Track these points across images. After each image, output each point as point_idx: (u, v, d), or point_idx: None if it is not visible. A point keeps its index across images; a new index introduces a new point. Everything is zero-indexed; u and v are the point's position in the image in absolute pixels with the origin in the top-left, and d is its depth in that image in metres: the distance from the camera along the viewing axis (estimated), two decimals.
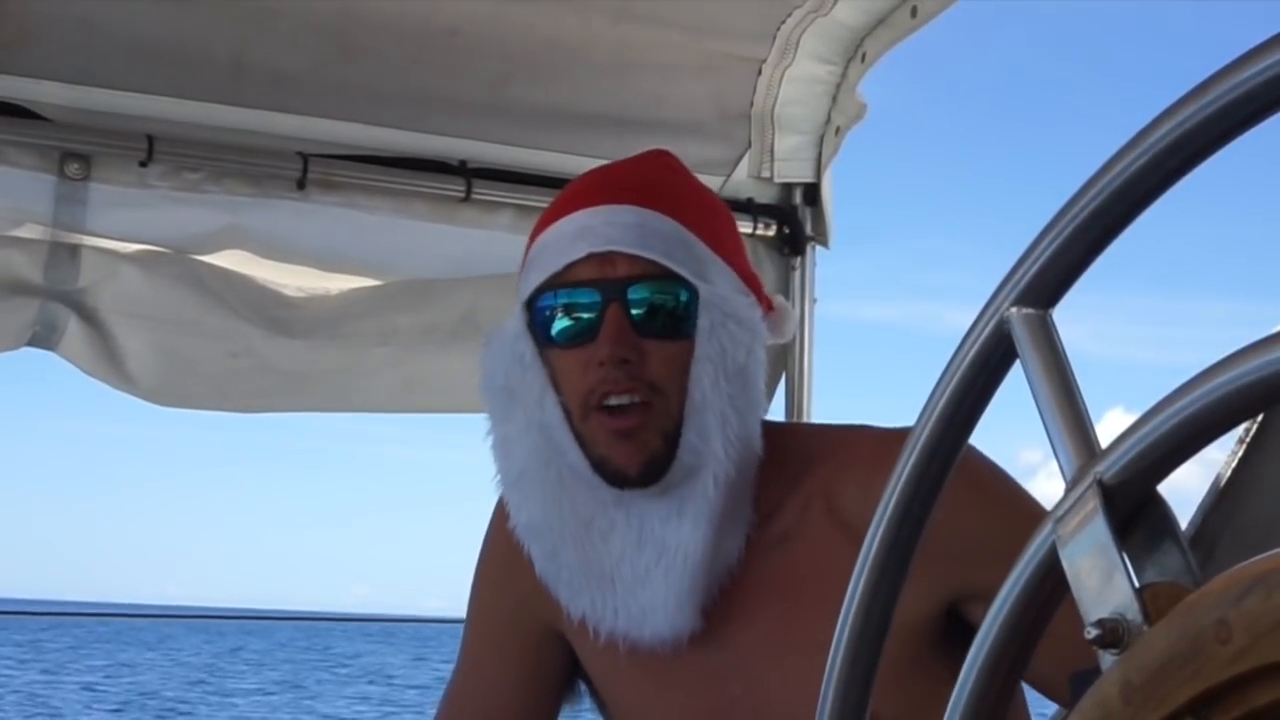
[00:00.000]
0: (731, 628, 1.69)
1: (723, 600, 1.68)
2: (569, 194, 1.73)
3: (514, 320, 1.69)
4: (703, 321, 1.64)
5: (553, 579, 1.72)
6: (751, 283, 1.74)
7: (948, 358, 0.77)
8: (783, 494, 1.70)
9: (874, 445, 1.70)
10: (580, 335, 1.64)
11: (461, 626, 1.91)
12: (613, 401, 1.63)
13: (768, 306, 1.75)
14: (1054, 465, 0.71)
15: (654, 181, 1.72)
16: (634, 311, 1.63)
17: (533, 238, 1.73)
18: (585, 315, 1.64)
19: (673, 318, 1.64)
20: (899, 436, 1.50)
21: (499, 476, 1.73)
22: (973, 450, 1.66)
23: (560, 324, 1.65)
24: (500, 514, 1.81)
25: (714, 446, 1.63)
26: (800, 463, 1.70)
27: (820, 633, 1.64)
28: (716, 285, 1.67)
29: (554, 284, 1.66)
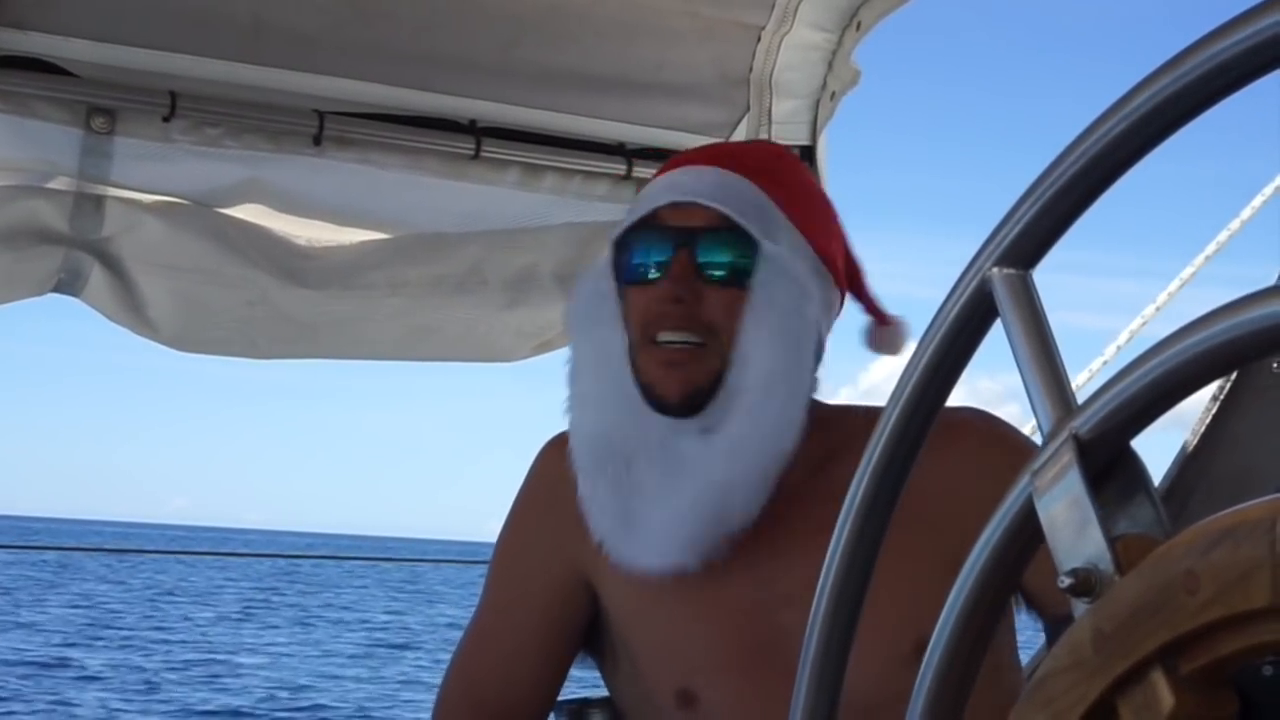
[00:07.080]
0: (773, 562, 1.79)
1: (763, 535, 1.78)
2: (674, 160, 1.92)
3: (604, 258, 1.86)
4: (760, 275, 1.78)
5: (589, 497, 1.81)
6: (834, 268, 1.86)
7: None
8: (833, 457, 1.81)
9: None
10: (651, 274, 1.80)
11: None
12: (664, 337, 1.77)
13: (879, 317, 1.92)
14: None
15: (746, 154, 1.90)
16: (700, 258, 1.78)
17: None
18: (658, 256, 1.80)
19: (733, 268, 1.79)
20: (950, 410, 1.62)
21: (568, 400, 1.85)
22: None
23: (637, 263, 1.82)
24: (545, 459, 1.93)
25: (752, 388, 1.76)
26: (853, 433, 1.78)
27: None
28: (781, 246, 1.80)
29: (639, 226, 1.83)
